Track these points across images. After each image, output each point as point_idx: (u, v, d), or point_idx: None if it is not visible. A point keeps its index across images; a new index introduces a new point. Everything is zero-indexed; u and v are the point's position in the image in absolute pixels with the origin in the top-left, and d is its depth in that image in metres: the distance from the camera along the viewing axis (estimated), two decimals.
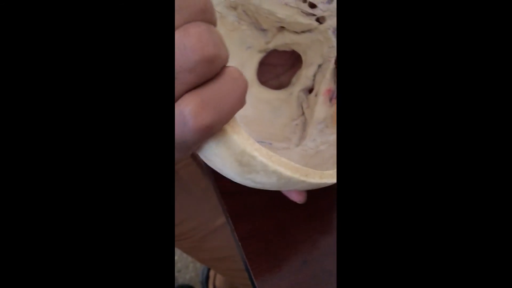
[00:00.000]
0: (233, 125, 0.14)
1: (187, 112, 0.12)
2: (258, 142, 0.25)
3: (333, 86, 0.25)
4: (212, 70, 0.12)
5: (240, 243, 0.23)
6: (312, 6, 0.24)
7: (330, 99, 0.25)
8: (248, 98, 0.27)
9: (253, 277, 0.22)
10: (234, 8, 0.24)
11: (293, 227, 0.25)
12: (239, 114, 0.26)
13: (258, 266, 0.22)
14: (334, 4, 0.23)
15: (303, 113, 0.27)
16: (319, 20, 0.24)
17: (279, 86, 0.27)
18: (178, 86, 0.12)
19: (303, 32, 0.25)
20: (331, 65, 0.24)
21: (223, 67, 0.13)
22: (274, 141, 0.26)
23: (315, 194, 0.24)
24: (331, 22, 0.23)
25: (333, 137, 0.25)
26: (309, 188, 0.18)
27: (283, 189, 0.18)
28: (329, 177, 0.18)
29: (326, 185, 0.18)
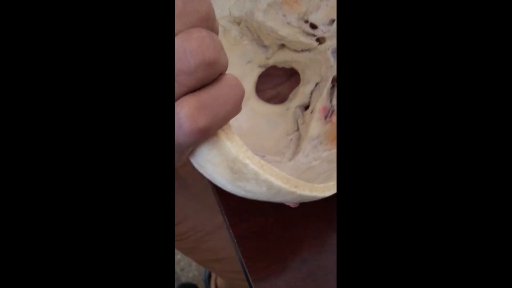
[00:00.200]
0: (227, 131, 0.15)
1: (183, 114, 0.12)
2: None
3: (328, 104, 0.26)
4: (211, 75, 0.12)
5: (236, 242, 0.23)
6: (313, 27, 0.25)
7: (325, 117, 0.26)
8: (245, 110, 0.27)
9: (249, 276, 0.22)
10: (238, 23, 0.25)
11: (291, 226, 0.24)
12: (234, 126, 0.26)
13: (254, 264, 0.22)
14: (334, 26, 0.24)
15: (298, 129, 0.27)
16: (320, 40, 0.25)
17: (276, 96, 0.28)
18: (177, 89, 0.12)
19: (303, 50, 0.26)
20: (328, 84, 0.25)
21: (222, 73, 0.13)
22: (267, 154, 0.26)
23: None
24: (331, 42, 0.24)
25: (326, 154, 0.25)
26: (300, 200, 0.18)
27: (274, 200, 0.18)
28: (320, 190, 0.18)
29: (316, 199, 0.18)
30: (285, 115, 0.28)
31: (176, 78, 0.12)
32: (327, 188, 0.18)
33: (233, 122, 0.27)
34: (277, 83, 0.28)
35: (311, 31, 0.25)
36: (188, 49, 0.11)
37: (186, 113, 0.12)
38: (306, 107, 0.27)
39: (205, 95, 0.12)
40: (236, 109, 0.14)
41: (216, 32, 0.13)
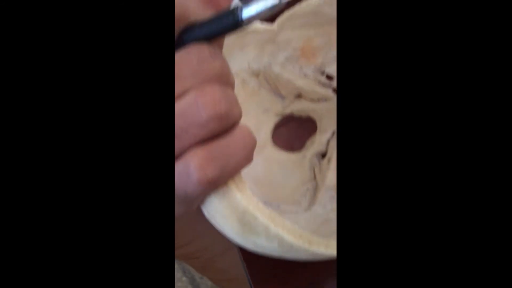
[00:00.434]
0: (238, 182, 0.14)
1: (193, 164, 0.12)
2: (265, 203, 0.25)
3: None
4: (223, 127, 0.13)
5: (245, 263, 0.22)
6: (329, 78, 0.25)
7: None
8: (261, 158, 0.27)
9: None
10: (257, 75, 0.26)
11: None
12: (250, 175, 0.26)
13: (262, 287, 0.21)
14: None
15: (314, 178, 0.27)
16: (335, 90, 0.25)
17: (292, 144, 0.27)
18: (188, 140, 0.12)
19: (319, 100, 0.26)
20: None
21: (235, 125, 0.13)
22: (282, 204, 0.25)
23: None
24: None
25: None
26: (314, 258, 0.17)
27: (286, 256, 0.17)
28: (335, 248, 0.17)
29: (333, 258, 0.17)
30: (301, 164, 0.27)
31: (188, 129, 0.12)
32: None
33: (249, 170, 0.27)
34: (294, 131, 0.28)
35: (327, 82, 0.25)
36: (200, 102, 0.12)
37: (195, 164, 0.12)
38: (323, 156, 0.26)
39: (216, 146, 0.12)
40: (247, 160, 0.14)
41: (231, 86, 0.14)
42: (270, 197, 0.25)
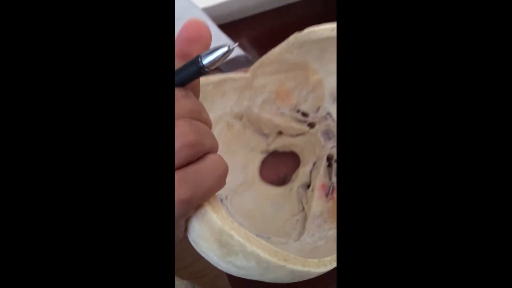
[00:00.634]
0: (214, 204, 0.16)
1: None
2: (256, 235, 0.25)
3: (328, 182, 0.26)
4: (194, 155, 0.15)
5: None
6: (305, 115, 0.28)
7: (326, 194, 0.26)
8: (251, 194, 0.29)
9: None
10: (240, 118, 0.29)
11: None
12: (241, 210, 0.27)
13: None
14: (320, 112, 0.27)
15: (303, 209, 0.28)
16: (311, 125, 0.28)
17: (279, 179, 0.29)
18: None
19: (298, 135, 0.28)
20: (323, 162, 0.26)
21: (209, 153, 0.15)
22: (273, 236, 0.26)
23: None
24: (320, 126, 0.27)
25: (331, 232, 0.25)
26: (294, 278, 0.17)
27: (266, 277, 0.17)
28: (313, 265, 0.17)
29: (312, 275, 0.18)
30: (289, 196, 0.28)
31: None
32: (323, 263, 0.18)
33: (240, 205, 0.28)
34: (280, 166, 0.30)
35: (303, 118, 0.28)
36: (175, 134, 0.14)
37: None
38: (308, 186, 0.28)
39: (188, 170, 0.14)
40: (218, 183, 0.15)
41: (204, 121, 0.16)
42: (261, 231, 0.26)
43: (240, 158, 0.29)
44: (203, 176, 0.15)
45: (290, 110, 0.28)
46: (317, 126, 0.27)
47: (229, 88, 0.26)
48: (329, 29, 0.22)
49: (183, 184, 0.14)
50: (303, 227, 0.26)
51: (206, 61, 0.14)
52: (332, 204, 0.26)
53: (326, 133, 0.27)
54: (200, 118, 0.16)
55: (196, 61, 0.15)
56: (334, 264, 0.18)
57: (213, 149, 0.16)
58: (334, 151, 0.27)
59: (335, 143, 0.27)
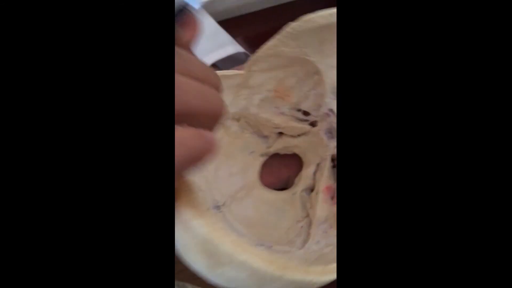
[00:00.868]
0: (196, 209, 0.14)
1: None
2: (257, 245, 0.23)
3: (333, 184, 0.24)
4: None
5: None
6: (306, 113, 0.26)
7: (332, 197, 0.24)
8: (251, 200, 0.27)
9: None
10: (237, 119, 0.28)
11: None
12: (241, 217, 0.26)
13: None
14: (322, 110, 0.25)
15: (308, 215, 0.26)
16: (312, 124, 0.26)
17: (281, 183, 0.27)
18: None
19: (299, 135, 0.26)
20: (327, 163, 0.24)
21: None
22: (275, 244, 0.24)
23: None
24: (322, 124, 0.25)
25: None
26: None
27: None
28: (317, 273, 0.15)
29: (316, 286, 0.15)
30: (292, 202, 0.26)
31: None
32: (328, 271, 0.16)
33: (240, 212, 0.26)
34: (282, 169, 0.28)
35: (304, 117, 0.26)
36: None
37: None
38: (312, 190, 0.26)
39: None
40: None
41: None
42: (263, 239, 0.24)
43: (238, 162, 0.28)
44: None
45: (290, 109, 0.27)
46: (319, 125, 0.25)
47: (224, 86, 0.25)
48: (326, 15, 0.20)
49: None
50: (308, 233, 0.24)
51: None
52: None
53: (329, 132, 0.25)
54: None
55: None
56: None
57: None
58: None
59: None
